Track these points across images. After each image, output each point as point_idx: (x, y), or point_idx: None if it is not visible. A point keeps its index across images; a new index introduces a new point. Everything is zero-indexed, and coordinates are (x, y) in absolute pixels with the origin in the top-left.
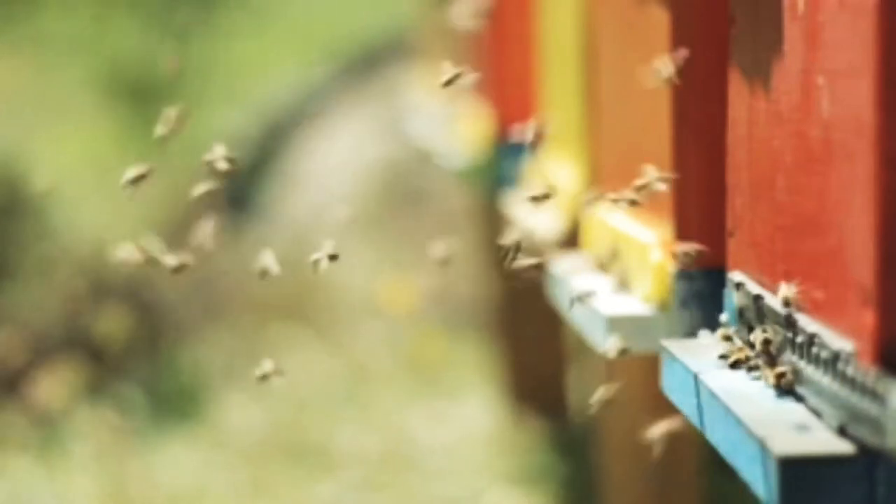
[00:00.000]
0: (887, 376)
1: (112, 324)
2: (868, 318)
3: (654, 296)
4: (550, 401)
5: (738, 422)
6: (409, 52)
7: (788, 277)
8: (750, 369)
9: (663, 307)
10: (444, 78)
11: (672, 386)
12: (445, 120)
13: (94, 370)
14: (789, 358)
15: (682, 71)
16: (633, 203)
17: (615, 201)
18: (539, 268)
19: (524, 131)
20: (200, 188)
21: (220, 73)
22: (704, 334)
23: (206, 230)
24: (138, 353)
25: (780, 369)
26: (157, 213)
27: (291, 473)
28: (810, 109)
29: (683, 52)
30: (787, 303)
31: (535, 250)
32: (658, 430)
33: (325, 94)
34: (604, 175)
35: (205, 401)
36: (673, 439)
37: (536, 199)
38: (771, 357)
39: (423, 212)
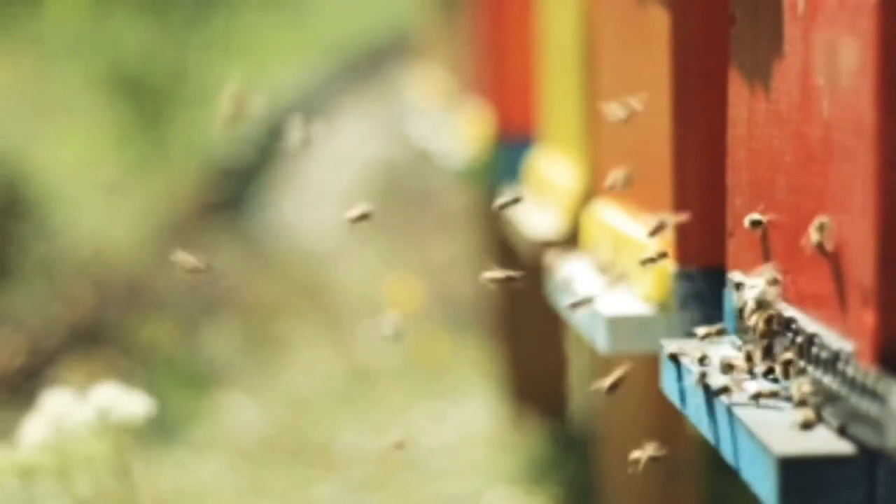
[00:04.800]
0: (887, 376)
1: (112, 324)
2: (868, 318)
3: (654, 296)
4: (550, 401)
5: (739, 422)
6: (410, 52)
7: (788, 277)
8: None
9: (663, 307)
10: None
11: (672, 386)
12: (445, 120)
13: (94, 370)
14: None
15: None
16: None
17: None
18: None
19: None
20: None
21: (221, 72)
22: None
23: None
24: (138, 352)
25: (806, 388)
26: (156, 212)
27: (291, 473)
28: (810, 109)
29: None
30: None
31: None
32: (644, 452)
33: (325, 94)
34: (604, 175)
35: (205, 401)
36: (672, 440)
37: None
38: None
39: (423, 212)
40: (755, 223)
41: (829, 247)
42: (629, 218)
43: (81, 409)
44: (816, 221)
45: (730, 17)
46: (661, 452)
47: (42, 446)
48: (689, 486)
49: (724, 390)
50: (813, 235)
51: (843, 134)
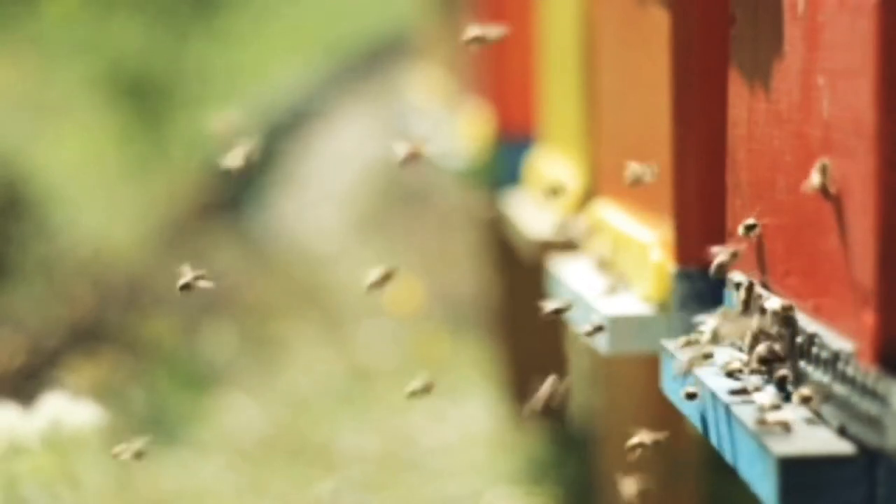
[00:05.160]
0: (887, 376)
1: (112, 324)
2: (868, 318)
3: (654, 296)
4: (550, 401)
5: (739, 422)
6: (410, 52)
7: (788, 277)
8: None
9: (663, 307)
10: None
11: (672, 386)
12: (445, 120)
13: (95, 370)
14: (796, 364)
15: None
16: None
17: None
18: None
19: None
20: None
21: (221, 73)
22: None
23: None
24: (138, 352)
25: (805, 392)
26: (156, 212)
27: (291, 473)
28: (810, 109)
29: None
30: (786, 309)
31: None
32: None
33: (325, 94)
34: (604, 175)
35: (205, 400)
36: (672, 440)
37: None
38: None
39: (423, 212)
40: (749, 227)
41: (832, 189)
42: (629, 218)
43: (31, 422)
44: (818, 163)
45: (730, 17)
46: (660, 436)
47: None
48: (689, 486)
49: (741, 392)
50: (814, 178)
51: (843, 134)
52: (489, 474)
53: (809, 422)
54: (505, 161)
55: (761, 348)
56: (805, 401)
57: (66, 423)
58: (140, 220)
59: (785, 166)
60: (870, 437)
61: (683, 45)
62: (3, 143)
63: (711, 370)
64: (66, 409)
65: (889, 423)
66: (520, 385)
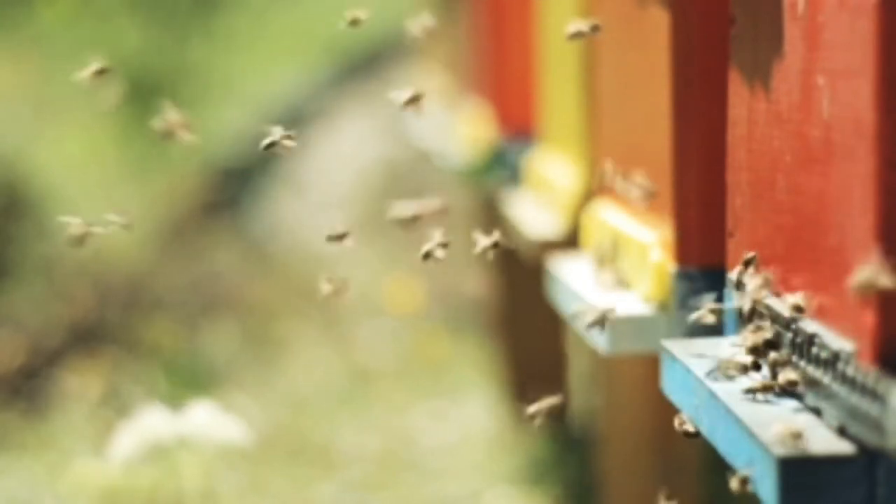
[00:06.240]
0: (887, 376)
1: (112, 324)
2: (868, 318)
3: (654, 296)
4: None
5: (738, 422)
6: (410, 52)
7: (788, 277)
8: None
9: (663, 307)
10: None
11: (672, 386)
12: (445, 120)
13: (94, 370)
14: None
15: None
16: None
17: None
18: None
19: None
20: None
21: (221, 73)
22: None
23: None
24: (138, 352)
25: (791, 377)
26: (156, 212)
27: (291, 473)
28: (810, 109)
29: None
30: (797, 309)
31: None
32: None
33: (325, 94)
34: (604, 175)
35: (205, 401)
36: (672, 440)
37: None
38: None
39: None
40: (748, 262)
41: None
42: (629, 218)
43: (174, 428)
44: None
45: (730, 17)
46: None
47: (131, 464)
48: (689, 487)
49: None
50: None
51: (843, 134)
52: (489, 474)
53: (802, 413)
54: (505, 161)
55: (754, 337)
56: (791, 385)
57: (210, 435)
58: (140, 220)
59: (785, 166)
60: (870, 437)
61: (683, 45)
62: (3, 143)
63: (710, 367)
64: (213, 421)
65: (889, 423)
66: (520, 385)
